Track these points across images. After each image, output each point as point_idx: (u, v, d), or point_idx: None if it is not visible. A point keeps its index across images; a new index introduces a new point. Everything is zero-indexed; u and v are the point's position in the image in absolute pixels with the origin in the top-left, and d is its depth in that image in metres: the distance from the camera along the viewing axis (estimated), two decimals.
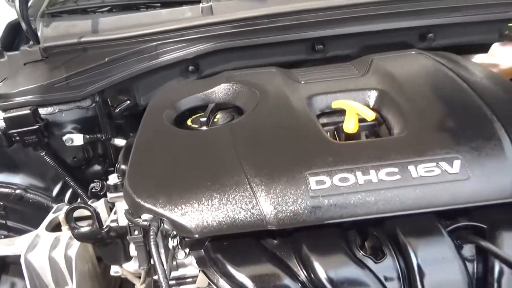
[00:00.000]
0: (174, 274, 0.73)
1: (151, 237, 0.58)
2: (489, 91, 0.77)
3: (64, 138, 1.10)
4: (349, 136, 0.79)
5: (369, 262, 0.61)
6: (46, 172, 1.25)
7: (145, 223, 0.61)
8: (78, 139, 1.11)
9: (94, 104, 1.14)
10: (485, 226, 0.63)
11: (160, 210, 0.61)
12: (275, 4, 1.21)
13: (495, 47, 1.15)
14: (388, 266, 0.61)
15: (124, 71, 1.16)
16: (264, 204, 0.60)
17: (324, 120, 0.83)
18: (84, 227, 0.72)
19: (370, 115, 0.73)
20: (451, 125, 0.70)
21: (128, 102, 1.22)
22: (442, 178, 0.61)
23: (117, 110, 1.21)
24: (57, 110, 1.08)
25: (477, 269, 0.61)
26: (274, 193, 0.61)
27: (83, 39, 1.22)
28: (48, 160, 1.14)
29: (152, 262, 0.72)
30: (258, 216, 0.60)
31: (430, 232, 0.61)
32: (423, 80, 0.86)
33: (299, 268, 0.61)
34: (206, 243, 0.64)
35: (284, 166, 0.64)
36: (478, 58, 1.23)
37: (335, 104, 0.79)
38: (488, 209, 0.62)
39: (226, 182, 0.63)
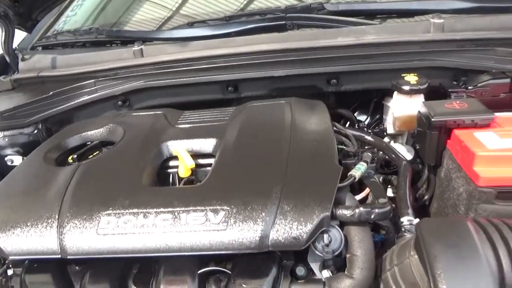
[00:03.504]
0: None
1: None
2: (300, 149, 0.84)
3: (6, 158, 1.32)
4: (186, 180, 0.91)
5: None
6: None
7: None
8: (17, 160, 1.32)
9: (36, 131, 1.35)
10: (229, 272, 0.71)
11: None
12: (195, 49, 1.35)
13: (394, 95, 1.19)
14: None
15: (66, 103, 1.38)
16: (63, 236, 0.74)
17: (175, 163, 0.95)
18: None
19: (189, 164, 0.85)
20: (243, 177, 0.79)
21: None
22: (204, 227, 0.71)
23: None
24: (1, 135, 1.31)
25: None
26: (73, 228, 0.75)
27: (40, 74, 1.45)
28: None
29: None
30: (54, 246, 0.74)
31: (184, 273, 0.71)
32: (259, 131, 0.95)
33: None
34: (25, 263, 0.80)
35: (91, 205, 0.78)
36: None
37: (174, 151, 0.92)
38: (242, 256, 0.71)
39: (41, 215, 0.77)
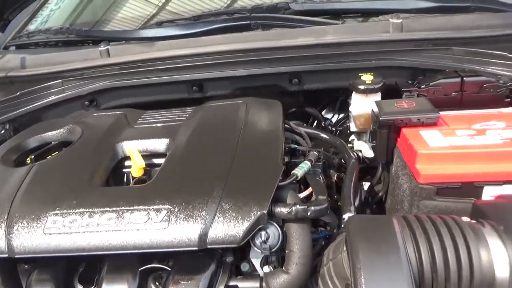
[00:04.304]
0: None
1: None
2: (246, 149, 0.87)
3: None
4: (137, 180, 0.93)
5: None
6: None
7: None
8: None
9: (3, 131, 1.36)
10: (169, 269, 0.74)
11: None
12: (161, 49, 1.36)
13: (352, 94, 1.21)
14: None
15: (33, 104, 1.39)
16: (10, 236, 0.76)
17: (130, 163, 0.97)
18: None
19: (138, 164, 0.87)
20: (188, 177, 0.81)
21: None
22: (146, 225, 0.73)
23: None
24: None
25: None
26: (20, 228, 0.76)
27: (8, 74, 1.46)
28: None
29: None
30: (1, 245, 0.75)
31: (126, 271, 0.73)
32: (211, 130, 0.97)
33: None
34: None
35: (40, 205, 0.79)
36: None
37: (127, 151, 0.94)
38: (182, 254, 0.73)
39: None
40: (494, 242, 0.64)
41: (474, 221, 0.70)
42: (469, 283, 0.61)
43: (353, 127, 1.31)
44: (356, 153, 1.21)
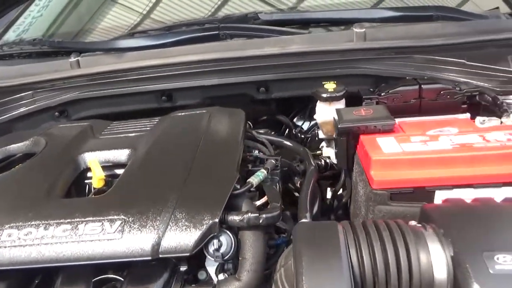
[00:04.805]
0: None
1: None
2: (204, 158, 0.88)
3: None
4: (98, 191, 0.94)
5: None
6: None
7: None
8: None
9: None
10: (122, 279, 0.75)
11: None
12: (131, 59, 1.38)
13: (317, 103, 1.23)
14: None
15: (3, 115, 1.39)
16: None
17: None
18: None
19: (98, 175, 0.88)
20: (144, 187, 0.83)
21: None
22: (100, 236, 0.73)
23: None
24: None
25: None
26: None
27: None
28: None
29: None
30: None
31: (79, 281, 0.74)
32: (172, 140, 0.99)
33: None
34: None
35: None
36: None
37: (88, 162, 0.95)
38: (136, 263, 0.74)
39: None
40: (433, 245, 0.66)
41: (419, 225, 0.72)
42: (409, 284, 0.63)
43: (321, 134, 1.34)
44: (324, 159, 1.24)
